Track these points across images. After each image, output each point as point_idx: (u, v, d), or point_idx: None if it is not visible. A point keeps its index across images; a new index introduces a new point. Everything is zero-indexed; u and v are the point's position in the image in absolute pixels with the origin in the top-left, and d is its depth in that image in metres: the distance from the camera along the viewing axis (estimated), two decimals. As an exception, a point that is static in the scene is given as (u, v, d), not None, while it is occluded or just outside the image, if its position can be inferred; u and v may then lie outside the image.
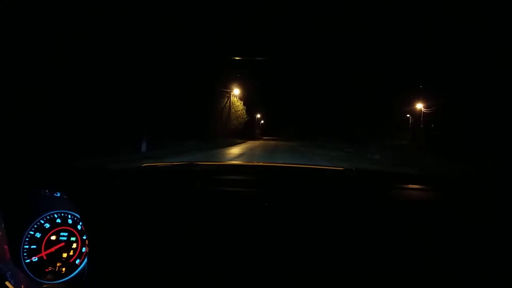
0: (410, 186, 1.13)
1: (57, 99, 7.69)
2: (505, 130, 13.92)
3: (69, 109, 7.99)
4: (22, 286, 0.79)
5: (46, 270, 0.84)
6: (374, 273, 0.71)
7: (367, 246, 0.74)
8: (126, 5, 9.84)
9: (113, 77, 9.48)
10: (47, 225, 0.89)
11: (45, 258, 0.86)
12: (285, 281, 0.71)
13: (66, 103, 7.92)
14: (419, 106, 28.01)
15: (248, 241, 0.76)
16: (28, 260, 0.84)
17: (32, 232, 0.87)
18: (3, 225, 0.82)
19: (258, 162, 1.77)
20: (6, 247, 0.81)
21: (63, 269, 0.85)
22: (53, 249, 0.87)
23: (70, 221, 0.90)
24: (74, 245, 0.88)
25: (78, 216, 0.88)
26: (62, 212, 0.90)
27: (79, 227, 0.89)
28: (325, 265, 0.72)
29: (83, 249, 0.87)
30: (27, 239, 0.86)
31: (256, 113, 47.24)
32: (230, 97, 25.67)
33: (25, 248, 0.85)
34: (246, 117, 29.52)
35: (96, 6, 8.60)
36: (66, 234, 0.89)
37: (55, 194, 0.88)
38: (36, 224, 0.88)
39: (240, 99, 28.18)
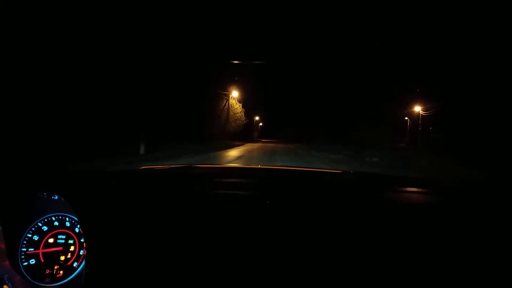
0: (408, 189, 1.14)
1: (57, 100, 7.69)
2: (504, 133, 13.96)
3: (68, 111, 7.99)
4: None
5: (44, 273, 0.84)
6: (373, 276, 0.71)
7: (365, 249, 0.75)
8: (126, 5, 9.88)
9: (112, 78, 9.49)
10: (45, 228, 0.88)
11: (42, 261, 0.85)
12: (284, 283, 0.71)
13: (65, 105, 7.91)
14: (417, 109, 28.12)
15: (247, 244, 0.76)
16: (25, 263, 0.83)
17: (29, 235, 0.86)
18: (0, 228, 0.82)
19: (256, 165, 1.77)
20: (3, 250, 0.81)
21: (61, 272, 0.85)
22: (50, 252, 0.86)
23: (68, 224, 0.90)
24: (72, 248, 0.88)
25: (76, 219, 0.88)
26: (60, 215, 0.90)
27: (76, 230, 0.89)
28: (324, 268, 0.73)
29: (81, 252, 0.87)
30: (24, 242, 0.85)
31: (254, 116, 47.34)
32: (229, 99, 25.69)
33: (23, 251, 0.84)
34: (245, 120, 29.50)
35: (96, 6, 8.63)
36: (64, 237, 0.89)
37: (53, 197, 0.88)
38: (33, 226, 0.87)
39: (239, 101, 28.20)
